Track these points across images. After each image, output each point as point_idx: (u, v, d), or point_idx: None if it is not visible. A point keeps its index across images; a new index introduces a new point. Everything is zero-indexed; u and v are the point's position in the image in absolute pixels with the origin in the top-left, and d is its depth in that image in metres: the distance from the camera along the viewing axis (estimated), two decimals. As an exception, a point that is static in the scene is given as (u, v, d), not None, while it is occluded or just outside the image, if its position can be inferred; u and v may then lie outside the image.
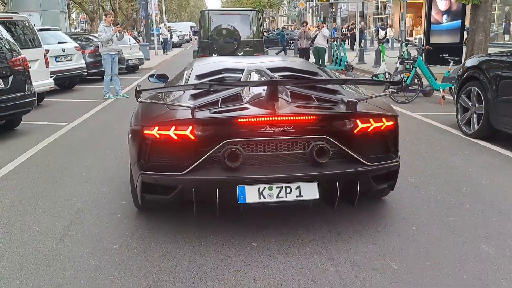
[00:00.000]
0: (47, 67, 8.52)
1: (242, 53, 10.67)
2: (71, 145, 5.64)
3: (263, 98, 2.85)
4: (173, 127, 2.69)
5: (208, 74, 3.63)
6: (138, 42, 20.81)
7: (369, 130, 2.85)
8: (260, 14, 14.61)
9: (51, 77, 9.01)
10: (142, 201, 3.03)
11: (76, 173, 4.48)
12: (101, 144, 5.64)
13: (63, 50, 10.40)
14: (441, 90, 8.25)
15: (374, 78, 10.92)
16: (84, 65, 11.12)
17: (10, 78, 5.86)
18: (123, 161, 4.80)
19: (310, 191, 2.71)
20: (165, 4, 32.64)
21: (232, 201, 2.69)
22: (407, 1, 37.60)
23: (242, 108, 2.84)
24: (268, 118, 2.68)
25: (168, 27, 30.88)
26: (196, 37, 14.36)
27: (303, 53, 14.18)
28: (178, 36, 37.06)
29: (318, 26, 14.18)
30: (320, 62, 13.52)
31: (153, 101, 3.09)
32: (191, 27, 47.91)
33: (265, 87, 2.91)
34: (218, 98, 2.96)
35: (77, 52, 10.86)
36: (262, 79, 3.32)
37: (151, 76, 4.48)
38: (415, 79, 8.11)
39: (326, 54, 14.47)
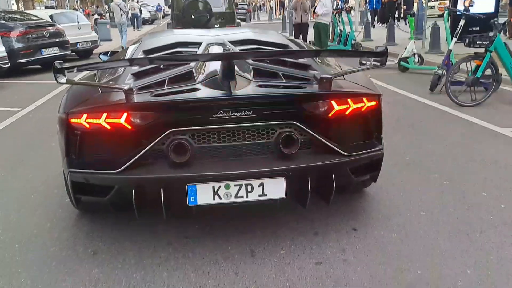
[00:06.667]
0: None
1: (218, 25, 10.95)
2: None
3: (218, 76, 2.40)
4: (105, 114, 2.29)
5: (158, 49, 3.06)
6: (102, 19, 18.59)
7: (347, 112, 2.46)
8: None
9: None
10: (78, 204, 2.66)
11: None
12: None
13: (-33, 34, 7.36)
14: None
15: (402, 63, 8.27)
16: (4, 53, 8.07)
17: None
18: None
19: (275, 189, 2.33)
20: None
21: (182, 203, 2.29)
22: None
23: (191, 89, 2.41)
24: (221, 101, 2.31)
25: (137, 1, 27.69)
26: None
27: (300, 30, 11.30)
28: (149, 12, 33.51)
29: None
30: (322, 42, 10.68)
31: (80, 81, 2.60)
32: (165, 1, 44.10)
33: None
34: (165, 77, 2.51)
35: (-9, 36, 7.81)
36: None
37: (104, 54, 4.02)
38: (490, 69, 5.41)
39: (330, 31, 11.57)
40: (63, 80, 2.24)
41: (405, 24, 16.14)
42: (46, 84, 8.02)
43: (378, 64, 2.43)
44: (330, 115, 2.43)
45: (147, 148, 2.32)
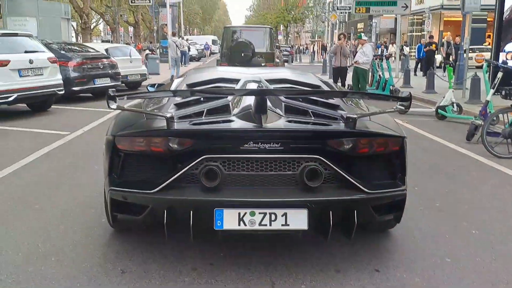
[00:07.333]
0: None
1: (264, 64, 11.91)
2: None
3: (251, 110, 2.59)
4: (147, 138, 2.55)
5: (201, 83, 3.32)
6: (153, 54, 19.65)
7: (371, 152, 2.58)
8: (273, 30, 16.76)
9: (11, 96, 7.41)
10: (114, 221, 2.81)
11: None
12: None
13: (31, 62, 7.97)
14: None
15: (440, 111, 8.23)
16: (61, 81, 8.64)
17: None
18: None
19: (298, 220, 2.42)
20: (183, 16, 31.00)
21: (209, 226, 2.40)
22: (444, 19, 35.17)
23: (226, 120, 2.62)
24: (251, 132, 2.47)
25: (186, 39, 29.08)
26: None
27: (339, 73, 11.53)
28: (197, 50, 34.99)
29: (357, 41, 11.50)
30: (360, 86, 10.77)
31: (128, 108, 2.81)
32: (213, 40, 45.94)
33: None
34: (204, 108, 2.70)
35: (51, 64, 8.41)
36: None
37: (151, 85, 4.18)
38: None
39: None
40: (114, 106, 2.48)
41: (444, 73, 16.02)
42: (95, 112, 8.53)
43: (403, 108, 2.54)
44: (354, 152, 2.54)
45: (181, 172, 2.47)
